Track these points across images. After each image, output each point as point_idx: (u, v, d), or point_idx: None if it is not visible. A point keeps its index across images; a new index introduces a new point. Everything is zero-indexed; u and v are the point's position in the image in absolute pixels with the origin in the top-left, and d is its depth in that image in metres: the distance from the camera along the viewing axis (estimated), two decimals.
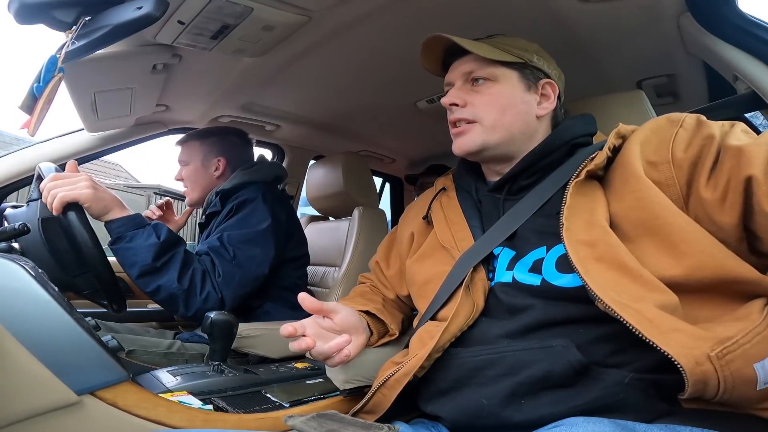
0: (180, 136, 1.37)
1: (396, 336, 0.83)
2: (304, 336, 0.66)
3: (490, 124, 0.72)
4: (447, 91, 0.77)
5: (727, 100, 0.94)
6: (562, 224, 0.58)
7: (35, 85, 0.72)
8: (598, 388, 0.52)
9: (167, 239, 0.99)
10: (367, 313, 0.80)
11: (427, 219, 0.82)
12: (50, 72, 0.71)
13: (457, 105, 0.74)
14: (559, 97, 0.76)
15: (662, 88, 1.25)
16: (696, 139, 0.56)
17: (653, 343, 0.47)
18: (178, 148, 1.35)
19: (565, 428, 0.46)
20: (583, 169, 0.60)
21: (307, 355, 0.68)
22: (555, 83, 0.75)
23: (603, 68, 1.17)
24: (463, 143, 0.74)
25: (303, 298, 0.67)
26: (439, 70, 0.82)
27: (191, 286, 0.99)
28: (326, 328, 0.71)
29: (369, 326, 0.79)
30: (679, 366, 0.45)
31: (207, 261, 1.05)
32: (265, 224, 1.16)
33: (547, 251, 0.62)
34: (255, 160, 1.42)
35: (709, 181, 0.54)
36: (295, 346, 0.65)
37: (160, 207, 1.37)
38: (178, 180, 1.34)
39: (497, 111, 0.72)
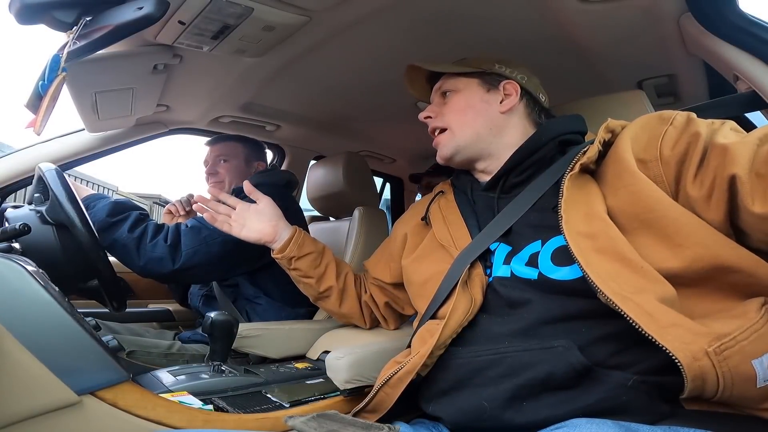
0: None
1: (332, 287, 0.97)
2: None
3: (457, 126, 0.80)
4: None
5: (725, 98, 0.93)
6: (561, 216, 0.58)
7: (40, 83, 0.72)
8: (601, 390, 0.52)
9: (121, 201, 1.10)
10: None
11: (426, 220, 0.84)
12: (54, 71, 0.71)
13: (430, 117, 0.85)
14: (531, 96, 0.82)
15: (663, 88, 1.25)
16: (683, 137, 0.57)
17: (651, 337, 0.47)
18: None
19: (567, 430, 0.46)
20: (576, 162, 0.61)
21: None
22: (517, 83, 0.81)
23: (603, 69, 1.16)
24: (440, 152, 0.83)
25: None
26: (427, 95, 0.92)
27: (142, 235, 1.05)
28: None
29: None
30: (676, 361, 0.45)
31: (176, 227, 1.10)
32: None
33: (543, 245, 0.62)
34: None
35: (696, 178, 0.54)
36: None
37: (187, 203, 1.40)
38: (209, 173, 1.42)
39: (460, 113, 0.81)
